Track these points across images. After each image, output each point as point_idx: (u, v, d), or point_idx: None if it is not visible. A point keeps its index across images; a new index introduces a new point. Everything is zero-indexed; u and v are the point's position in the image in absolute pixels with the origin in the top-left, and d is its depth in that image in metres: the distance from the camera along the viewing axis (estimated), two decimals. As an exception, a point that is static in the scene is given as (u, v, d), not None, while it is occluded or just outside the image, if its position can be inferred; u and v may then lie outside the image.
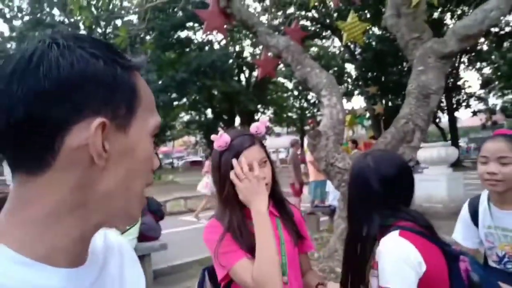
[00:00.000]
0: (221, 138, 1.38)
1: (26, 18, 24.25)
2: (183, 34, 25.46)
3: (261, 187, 1.31)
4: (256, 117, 31.51)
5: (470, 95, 26.69)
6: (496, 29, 18.31)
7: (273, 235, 1.28)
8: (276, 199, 1.48)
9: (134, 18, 18.11)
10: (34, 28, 23.25)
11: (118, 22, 21.47)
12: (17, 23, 24.31)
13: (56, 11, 24.28)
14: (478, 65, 25.91)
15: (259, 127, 1.44)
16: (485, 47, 22.23)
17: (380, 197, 1.34)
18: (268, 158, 1.43)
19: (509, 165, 1.58)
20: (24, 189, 0.51)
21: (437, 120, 25.49)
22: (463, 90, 25.98)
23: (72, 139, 0.49)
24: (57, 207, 0.51)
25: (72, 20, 22.02)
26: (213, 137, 1.40)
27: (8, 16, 24.14)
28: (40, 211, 0.51)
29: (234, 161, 1.34)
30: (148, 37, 23.58)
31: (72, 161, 0.50)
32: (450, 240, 1.81)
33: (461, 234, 1.84)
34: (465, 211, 1.85)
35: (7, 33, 24.21)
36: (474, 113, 27.64)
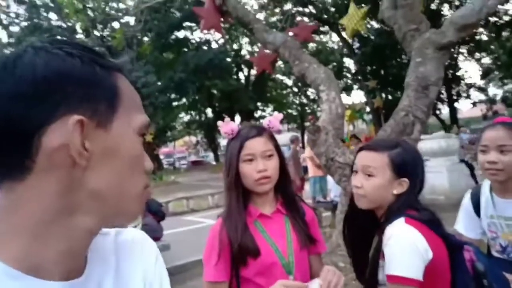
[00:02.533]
0: (227, 125, 1.41)
1: (24, 24, 24.24)
2: (180, 34, 25.46)
3: None
4: (256, 115, 31.51)
5: (470, 86, 26.61)
6: (495, 19, 18.23)
7: None
8: (286, 196, 1.45)
9: (131, 20, 18.09)
10: (32, 33, 23.22)
11: (116, 25, 21.48)
12: (14, 29, 24.30)
13: (53, 16, 24.27)
14: (477, 55, 25.80)
15: (272, 121, 1.46)
16: (484, 37, 22.14)
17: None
18: (278, 153, 1.42)
19: (509, 153, 1.55)
20: (9, 198, 0.49)
21: (438, 112, 25.43)
22: (462, 81, 25.90)
23: (50, 139, 0.48)
24: (44, 213, 0.49)
25: (69, 24, 22.02)
26: (219, 123, 1.44)
27: (5, 22, 24.11)
28: (27, 219, 0.49)
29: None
30: (145, 39, 23.57)
31: (53, 163, 0.48)
32: (453, 231, 1.79)
33: (463, 225, 1.82)
34: (467, 202, 1.82)
35: (5, 39, 24.20)
36: (474, 104, 27.56)
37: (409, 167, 1.36)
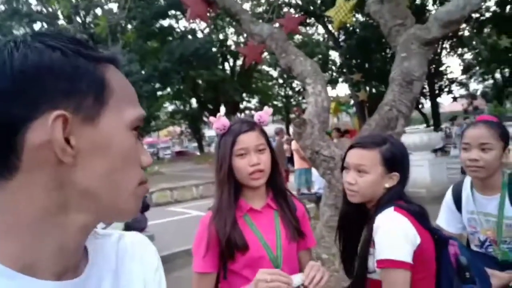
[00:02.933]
0: (219, 121, 1.41)
1: (2, 8, 23.48)
2: (165, 22, 25.13)
3: None
4: (241, 106, 31.42)
5: (452, 81, 27.04)
6: (477, 15, 18.52)
7: None
8: (277, 190, 1.46)
9: (114, 6, 17.72)
10: (11, 18, 22.54)
11: (99, 12, 20.99)
12: (-8, 12, 23.54)
13: (33, 0, 23.59)
14: (459, 50, 26.21)
15: (262, 116, 1.47)
16: (466, 33, 22.48)
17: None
18: (269, 147, 1.44)
19: (490, 152, 1.59)
20: None
21: (420, 106, 25.83)
22: (445, 76, 26.30)
23: (32, 136, 0.46)
24: (36, 211, 0.48)
25: (50, 9, 21.42)
26: (211, 119, 1.44)
27: (-18, 5, 23.33)
28: (18, 218, 0.48)
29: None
30: (129, 26, 23.14)
31: (38, 161, 0.47)
32: (435, 225, 1.84)
33: (444, 220, 1.87)
34: (448, 197, 1.87)
35: (-18, 23, 23.42)
36: (455, 99, 28.06)
37: (398, 161, 1.41)
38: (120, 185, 0.53)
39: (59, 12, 19.56)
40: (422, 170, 8.12)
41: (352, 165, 1.43)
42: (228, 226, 1.33)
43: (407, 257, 1.25)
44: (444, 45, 23.56)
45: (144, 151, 0.57)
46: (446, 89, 26.83)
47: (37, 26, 24.22)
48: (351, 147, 1.49)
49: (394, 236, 1.27)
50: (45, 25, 23.95)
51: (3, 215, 0.48)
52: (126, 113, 0.54)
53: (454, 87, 27.63)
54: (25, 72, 0.46)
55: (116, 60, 0.55)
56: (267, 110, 1.50)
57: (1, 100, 0.46)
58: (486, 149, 1.60)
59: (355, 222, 1.49)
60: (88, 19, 23.79)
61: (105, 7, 18.82)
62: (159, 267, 0.67)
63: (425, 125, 20.39)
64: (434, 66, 23.11)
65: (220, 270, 1.38)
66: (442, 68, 25.57)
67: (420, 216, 1.33)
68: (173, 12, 23.99)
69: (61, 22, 21.31)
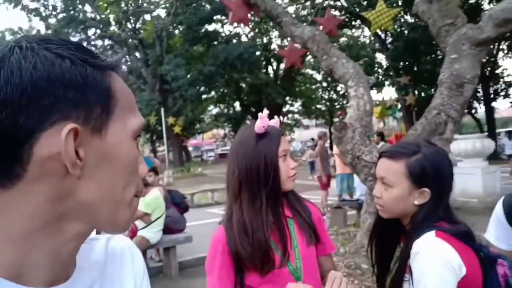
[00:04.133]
0: (265, 119, 1.33)
1: (60, 16, 25.05)
2: (210, 27, 25.59)
3: None
4: (284, 110, 31.35)
5: (509, 84, 25.36)
6: (539, 14, 17.27)
7: None
8: (291, 196, 1.40)
9: (162, 12, 18.30)
10: (68, 25, 24.01)
11: (148, 17, 21.82)
12: (52, 21, 25.16)
13: (88, 8, 24.94)
14: (518, 52, 24.53)
15: (277, 123, 1.44)
16: (526, 33, 21.00)
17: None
18: None
19: None
20: None
21: (473, 111, 24.44)
22: (501, 79, 24.73)
23: (41, 148, 0.45)
24: (32, 220, 0.47)
25: (103, 16, 22.53)
26: (260, 114, 1.34)
27: (43, 14, 25.02)
28: (13, 226, 0.47)
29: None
30: (176, 31, 23.86)
31: (44, 171, 0.46)
32: (483, 238, 1.67)
33: (494, 234, 1.69)
34: (499, 209, 1.69)
35: (43, 30, 25.10)
36: (514, 103, 26.28)
37: (429, 175, 1.24)
38: (120, 195, 0.52)
39: (111, 19, 20.50)
40: (474, 179, 7.66)
41: (378, 176, 1.31)
42: (265, 244, 1.25)
43: None
44: (501, 46, 22.16)
45: (141, 160, 0.56)
46: (503, 93, 25.20)
47: (90, 32, 25.61)
48: (380, 156, 1.36)
49: (436, 268, 1.12)
50: (98, 31, 25.26)
51: None
52: (129, 122, 0.53)
53: (511, 91, 25.89)
54: (35, 83, 0.45)
55: (118, 67, 0.54)
56: (276, 120, 1.44)
57: (10, 111, 0.44)
58: None
59: (389, 235, 1.37)
60: (138, 25, 24.80)
61: (154, 13, 19.51)
62: (145, 270, 0.67)
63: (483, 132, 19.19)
64: (489, 68, 21.80)
65: (236, 285, 1.30)
66: (498, 71, 24.06)
67: (464, 236, 1.19)
68: (218, 17, 24.43)
69: (113, 28, 22.30)
